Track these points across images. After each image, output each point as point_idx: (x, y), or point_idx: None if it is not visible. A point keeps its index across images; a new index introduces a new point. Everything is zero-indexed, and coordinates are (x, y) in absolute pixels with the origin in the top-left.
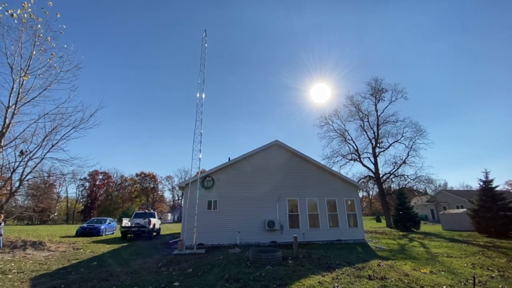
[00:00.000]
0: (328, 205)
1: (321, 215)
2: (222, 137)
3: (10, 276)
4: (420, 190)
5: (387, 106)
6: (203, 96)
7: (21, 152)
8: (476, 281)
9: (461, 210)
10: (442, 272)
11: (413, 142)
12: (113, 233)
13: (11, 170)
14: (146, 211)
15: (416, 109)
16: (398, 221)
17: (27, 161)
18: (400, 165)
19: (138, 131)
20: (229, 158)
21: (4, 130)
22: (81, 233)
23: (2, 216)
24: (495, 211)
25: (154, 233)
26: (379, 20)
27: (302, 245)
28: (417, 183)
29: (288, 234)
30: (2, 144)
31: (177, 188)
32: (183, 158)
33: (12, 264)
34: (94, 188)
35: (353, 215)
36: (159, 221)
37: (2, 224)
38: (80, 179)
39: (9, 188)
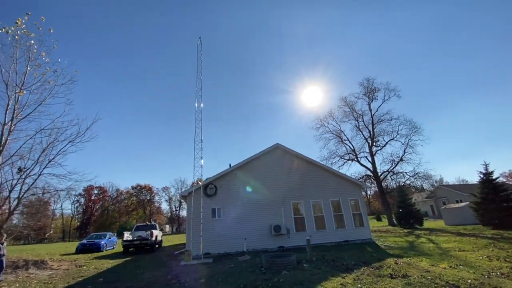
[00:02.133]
0: (332, 206)
1: (326, 217)
2: (216, 143)
3: None
4: (419, 187)
5: (380, 105)
6: (202, 105)
7: (19, 169)
8: (498, 273)
9: (462, 204)
10: (461, 267)
11: (409, 139)
12: (113, 248)
13: (9, 188)
14: (147, 223)
15: (409, 106)
16: (401, 219)
17: (25, 178)
18: (398, 162)
19: (131, 143)
20: (230, 165)
21: (1, 148)
22: (81, 249)
23: (4, 235)
24: (498, 203)
25: (157, 246)
26: (368, 21)
27: (286, 251)
28: (415, 179)
29: (295, 238)
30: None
31: (174, 199)
32: (179, 168)
33: (17, 285)
34: (90, 204)
35: (358, 214)
36: (161, 233)
37: (5, 244)
38: (75, 195)
39: (6, 206)
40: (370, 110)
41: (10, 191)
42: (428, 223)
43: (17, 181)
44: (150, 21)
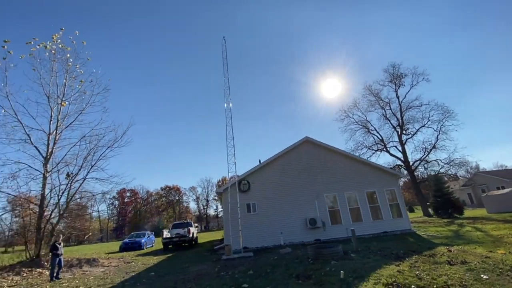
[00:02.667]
0: (368, 197)
1: (362, 208)
2: (244, 140)
3: None
4: (454, 175)
5: (408, 91)
6: (230, 104)
7: (67, 175)
8: None
9: (506, 190)
10: None
11: (442, 125)
12: (152, 246)
13: (58, 193)
14: (183, 221)
15: (439, 89)
16: (438, 208)
17: (71, 183)
18: (431, 150)
19: (158, 144)
20: (259, 161)
21: (48, 156)
22: (124, 248)
23: (61, 236)
24: None
25: (193, 242)
26: (387, 16)
27: (347, 240)
28: (451, 167)
29: (331, 230)
30: (48, 169)
31: (201, 198)
32: (205, 168)
33: (77, 281)
34: (123, 206)
35: (396, 205)
36: (196, 230)
37: (61, 244)
38: (110, 198)
39: (57, 210)
40: (398, 97)
41: (60, 195)
42: (468, 212)
43: (66, 186)
44: (173, 22)
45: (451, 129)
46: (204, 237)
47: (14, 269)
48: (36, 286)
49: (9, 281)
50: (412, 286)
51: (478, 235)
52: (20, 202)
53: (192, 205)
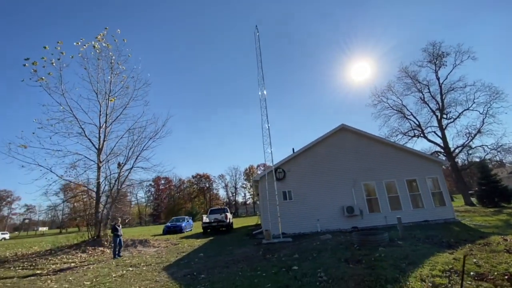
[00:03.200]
0: (408, 185)
1: (402, 197)
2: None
3: (144, 268)
4: (500, 161)
5: (450, 72)
6: (265, 92)
7: (119, 164)
8: None
9: None
10: None
11: (489, 107)
12: (191, 230)
13: (110, 180)
14: (220, 207)
15: (485, 68)
16: (484, 197)
17: (120, 172)
18: (475, 135)
19: (187, 134)
20: (293, 149)
21: (101, 148)
22: (167, 231)
23: (120, 220)
24: None
25: (229, 227)
26: None
27: (385, 228)
28: (499, 153)
29: (369, 218)
30: (101, 159)
31: (229, 185)
32: (233, 156)
33: (137, 259)
34: (159, 193)
35: (439, 193)
36: (231, 216)
37: (120, 226)
38: (147, 186)
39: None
40: (438, 79)
41: (113, 184)
42: None
43: (118, 174)
44: (202, 12)
45: (499, 112)
46: (235, 223)
47: (80, 247)
48: (102, 263)
49: (79, 257)
50: (471, 273)
51: None
52: (80, 189)
53: (221, 192)
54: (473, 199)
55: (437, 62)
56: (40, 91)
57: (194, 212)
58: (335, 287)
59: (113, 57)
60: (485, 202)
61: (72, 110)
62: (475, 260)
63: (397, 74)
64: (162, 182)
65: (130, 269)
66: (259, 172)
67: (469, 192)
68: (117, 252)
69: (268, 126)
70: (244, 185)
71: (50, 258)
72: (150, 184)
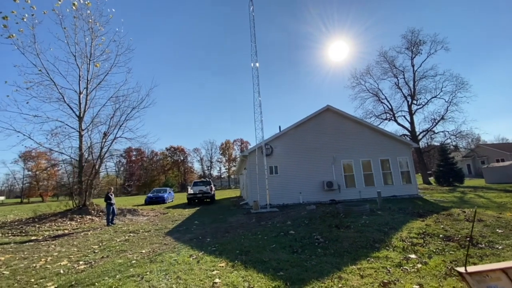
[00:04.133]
0: (382, 164)
1: (375, 174)
2: (243, 103)
3: (146, 233)
4: (455, 146)
5: (424, 60)
6: (257, 64)
7: (104, 134)
8: None
9: (507, 163)
10: None
11: (454, 96)
12: (172, 201)
13: (92, 150)
14: (203, 179)
15: (452, 58)
16: (440, 177)
17: (104, 141)
18: (438, 121)
19: (160, 105)
20: (279, 127)
21: (82, 115)
22: (149, 201)
23: (112, 188)
24: None
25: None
26: None
27: (359, 201)
28: (458, 138)
29: (345, 192)
30: (82, 127)
31: (205, 159)
32: (208, 130)
33: (132, 226)
34: (130, 164)
35: (407, 172)
36: (214, 188)
37: (113, 195)
38: (117, 156)
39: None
40: (413, 66)
41: (100, 153)
42: (467, 182)
43: (101, 143)
44: None
45: (462, 101)
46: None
47: (67, 216)
48: (98, 230)
49: (69, 225)
50: (441, 235)
51: (482, 201)
52: (44, 157)
53: (196, 166)
54: (431, 179)
55: (414, 49)
56: (13, 50)
57: (170, 184)
58: (331, 246)
59: (92, 17)
60: (441, 182)
61: (48, 72)
62: (442, 226)
63: (376, 58)
64: (134, 153)
65: (132, 234)
66: (235, 147)
67: (428, 172)
68: (110, 220)
69: (260, 101)
70: (219, 159)
71: (37, 226)
72: (121, 155)
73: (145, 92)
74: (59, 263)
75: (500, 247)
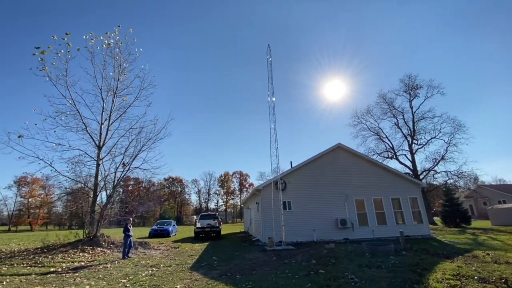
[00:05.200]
0: (393, 203)
1: (387, 213)
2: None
3: (169, 268)
4: (454, 185)
5: (422, 102)
6: (273, 99)
7: (123, 164)
8: None
9: (511, 205)
10: None
11: (452, 137)
12: (175, 234)
13: (106, 179)
14: (210, 213)
15: (445, 99)
16: (447, 218)
17: (124, 171)
18: (439, 161)
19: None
20: (291, 162)
21: (101, 145)
22: (154, 234)
23: (131, 219)
24: None
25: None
26: (397, 11)
27: (374, 240)
28: (459, 178)
29: (359, 231)
30: (101, 157)
31: (202, 191)
32: (207, 161)
33: (149, 260)
34: (127, 193)
35: (418, 212)
36: (221, 222)
37: (131, 226)
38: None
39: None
40: (411, 107)
41: (112, 183)
42: (473, 223)
43: (122, 173)
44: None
45: (461, 142)
46: None
47: (77, 247)
48: (115, 262)
49: (83, 257)
50: (475, 277)
51: (498, 244)
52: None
53: (193, 198)
54: (436, 219)
55: (412, 92)
56: (46, 82)
57: (167, 216)
58: (369, 286)
59: (122, 55)
60: (447, 222)
61: (75, 103)
62: (473, 268)
63: (375, 99)
64: (132, 183)
65: (154, 269)
66: (234, 179)
67: (431, 211)
68: (126, 253)
69: (276, 139)
70: (217, 192)
71: (50, 257)
72: (106, 184)
73: (161, 124)
74: None
75: None
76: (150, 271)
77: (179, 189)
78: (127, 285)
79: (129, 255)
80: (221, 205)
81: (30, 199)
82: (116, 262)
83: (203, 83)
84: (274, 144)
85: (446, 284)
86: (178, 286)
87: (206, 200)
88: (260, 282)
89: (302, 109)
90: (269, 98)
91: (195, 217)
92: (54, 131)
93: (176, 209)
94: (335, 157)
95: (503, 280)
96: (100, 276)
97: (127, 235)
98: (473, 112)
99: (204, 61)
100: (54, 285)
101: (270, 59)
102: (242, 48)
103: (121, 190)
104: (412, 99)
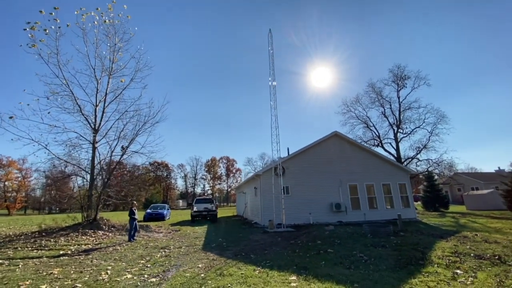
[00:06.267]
0: (383, 188)
1: (378, 197)
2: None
3: (182, 250)
4: (429, 173)
5: (409, 93)
6: (274, 82)
7: (122, 148)
8: None
9: (485, 191)
10: None
11: (435, 127)
12: (169, 218)
13: (102, 163)
14: (206, 197)
15: (426, 89)
16: (428, 203)
17: (122, 155)
18: (421, 150)
19: None
20: (288, 149)
21: (97, 128)
22: (148, 218)
23: (136, 203)
24: None
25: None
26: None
27: (366, 223)
28: (439, 166)
29: (352, 214)
30: (96, 140)
31: (189, 176)
32: (193, 146)
33: (157, 243)
34: (111, 177)
35: (405, 197)
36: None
37: (136, 209)
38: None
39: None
40: (398, 98)
41: (115, 166)
42: (450, 208)
43: (121, 157)
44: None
45: (443, 132)
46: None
47: (78, 230)
48: (123, 245)
49: (88, 240)
50: (471, 254)
51: (479, 226)
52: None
53: (179, 182)
54: (417, 204)
55: (400, 83)
56: (37, 59)
57: (154, 201)
58: (379, 263)
59: (116, 34)
60: (428, 207)
61: (68, 84)
62: (468, 246)
63: (365, 88)
64: (116, 166)
65: (166, 251)
66: (221, 165)
67: (418, 196)
68: (132, 235)
69: (277, 126)
70: (204, 177)
71: (52, 240)
72: (102, 168)
73: (157, 108)
74: (124, 277)
75: None
76: (163, 253)
77: (165, 174)
78: (148, 265)
79: (135, 237)
80: (208, 189)
81: (6, 182)
82: (124, 244)
83: (189, 65)
84: (275, 131)
85: (447, 260)
86: (200, 265)
87: (193, 185)
88: (277, 261)
89: (288, 98)
90: (270, 83)
91: (180, 201)
92: (49, 113)
93: (162, 193)
94: (331, 144)
95: (496, 257)
96: (116, 257)
97: (132, 218)
98: (449, 102)
99: (190, 41)
100: (73, 266)
101: (271, 51)
102: (225, 31)
103: (104, 173)
104: (400, 89)
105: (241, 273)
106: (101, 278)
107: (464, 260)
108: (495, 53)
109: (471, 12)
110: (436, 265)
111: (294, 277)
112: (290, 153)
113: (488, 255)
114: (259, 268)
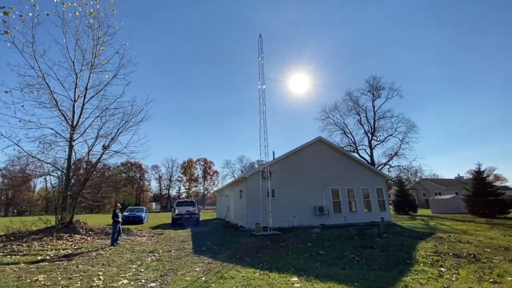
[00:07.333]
0: (362, 192)
1: (357, 201)
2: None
3: (172, 254)
4: (398, 178)
5: (383, 103)
6: (263, 86)
7: (104, 147)
8: None
9: (448, 196)
10: (493, 240)
11: (406, 136)
12: (147, 221)
13: (77, 161)
14: (187, 199)
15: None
16: (398, 206)
17: (102, 154)
18: (392, 156)
19: None
20: (273, 152)
21: (75, 124)
22: (126, 221)
23: (119, 205)
24: (486, 197)
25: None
26: (356, 9)
27: (345, 226)
28: (409, 172)
29: (334, 217)
30: (74, 137)
31: (164, 177)
32: (169, 148)
33: (142, 247)
34: (79, 178)
35: (382, 201)
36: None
37: (119, 212)
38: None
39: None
40: (373, 107)
41: (95, 164)
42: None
43: (100, 156)
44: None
45: (412, 141)
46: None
47: (52, 234)
48: (106, 250)
49: (65, 245)
50: (450, 253)
51: (447, 228)
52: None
53: (153, 184)
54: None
55: (375, 93)
56: (10, 47)
57: (127, 203)
58: (371, 263)
59: (100, 27)
60: (399, 210)
61: (44, 77)
62: (446, 246)
63: (343, 96)
64: (84, 166)
65: (156, 255)
66: (198, 166)
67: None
68: (115, 239)
69: (266, 130)
70: (179, 178)
71: (25, 244)
72: (78, 167)
73: (139, 106)
74: (120, 282)
75: (496, 261)
76: (153, 257)
77: (138, 175)
78: (141, 270)
79: (118, 241)
80: (183, 192)
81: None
82: (107, 248)
83: (168, 65)
84: (263, 135)
85: (431, 259)
86: (197, 269)
87: (168, 187)
88: (273, 263)
89: (269, 103)
90: (259, 86)
91: (154, 204)
92: (22, 106)
93: (134, 196)
94: (315, 149)
95: (472, 255)
96: (104, 262)
97: (116, 221)
98: (416, 111)
99: (175, 44)
100: (58, 272)
101: (261, 62)
102: (200, 38)
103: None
104: (375, 99)
105: (242, 276)
106: (94, 284)
107: (445, 259)
108: (461, 66)
109: (439, 24)
110: (422, 264)
111: (295, 278)
112: (275, 157)
113: (465, 254)
114: (258, 271)
